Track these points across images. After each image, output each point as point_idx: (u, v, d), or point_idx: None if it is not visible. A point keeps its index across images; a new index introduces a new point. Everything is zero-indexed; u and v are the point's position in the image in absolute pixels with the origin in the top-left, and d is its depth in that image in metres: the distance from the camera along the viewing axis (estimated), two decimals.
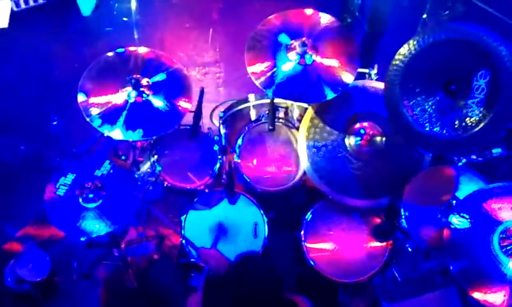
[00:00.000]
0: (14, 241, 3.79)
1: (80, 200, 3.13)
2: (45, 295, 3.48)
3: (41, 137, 4.29)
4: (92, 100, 3.28)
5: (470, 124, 2.91)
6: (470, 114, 2.91)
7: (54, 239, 3.69)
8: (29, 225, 3.88)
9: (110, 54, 3.49)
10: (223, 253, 3.03)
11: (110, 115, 3.24)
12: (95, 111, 3.23)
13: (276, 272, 2.57)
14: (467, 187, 3.08)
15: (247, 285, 2.51)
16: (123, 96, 3.31)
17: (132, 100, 3.30)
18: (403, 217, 3.08)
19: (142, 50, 3.54)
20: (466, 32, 2.88)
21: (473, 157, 3.23)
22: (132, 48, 3.53)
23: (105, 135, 3.20)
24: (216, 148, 3.69)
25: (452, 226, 2.75)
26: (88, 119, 3.21)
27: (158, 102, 3.34)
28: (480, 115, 2.88)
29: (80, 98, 3.27)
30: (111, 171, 3.26)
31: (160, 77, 3.43)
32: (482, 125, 2.87)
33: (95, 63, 3.44)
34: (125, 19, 5.21)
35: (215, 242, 3.33)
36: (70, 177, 3.21)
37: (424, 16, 4.56)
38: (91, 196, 3.13)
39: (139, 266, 3.59)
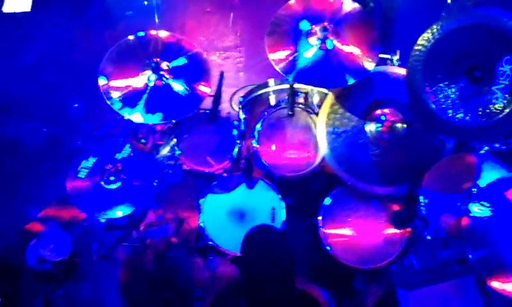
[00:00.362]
0: (35, 222, 3.86)
1: (102, 182, 3.18)
2: (66, 275, 3.55)
3: (62, 120, 4.34)
4: (112, 83, 3.31)
5: (494, 111, 2.85)
6: (494, 100, 2.85)
7: (75, 221, 3.75)
8: (50, 206, 3.94)
9: (130, 37, 3.51)
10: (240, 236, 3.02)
11: (130, 98, 3.27)
12: (115, 94, 3.27)
13: (287, 245, 2.46)
14: (489, 175, 3.02)
15: (257, 252, 2.39)
16: (143, 79, 3.34)
17: (152, 84, 3.32)
18: (422, 204, 3.05)
19: (162, 34, 3.55)
20: (491, 18, 2.82)
21: (496, 145, 3.18)
22: (152, 32, 3.54)
23: (126, 118, 3.23)
24: (235, 132, 3.70)
25: (472, 215, 2.72)
26: (108, 102, 3.24)
27: (178, 86, 3.35)
28: (504, 102, 2.83)
29: (101, 81, 3.31)
30: (131, 154, 3.30)
31: (180, 61, 3.44)
32: (506, 111, 2.82)
33: (115, 47, 3.47)
34: (145, 3, 5.22)
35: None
36: (92, 160, 3.25)
37: (448, 0, 4.46)
38: (112, 178, 3.17)
39: (157, 248, 3.63)
